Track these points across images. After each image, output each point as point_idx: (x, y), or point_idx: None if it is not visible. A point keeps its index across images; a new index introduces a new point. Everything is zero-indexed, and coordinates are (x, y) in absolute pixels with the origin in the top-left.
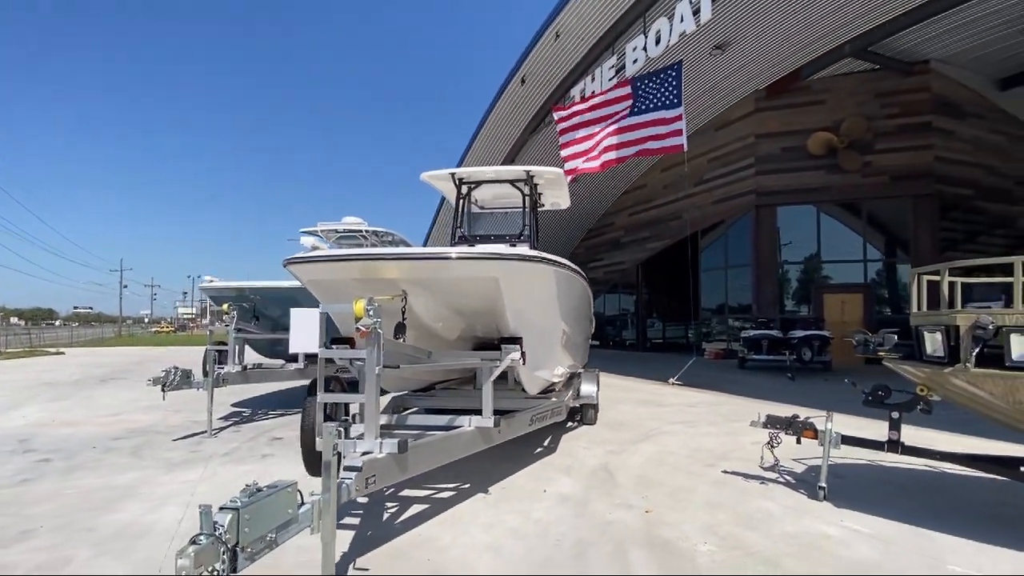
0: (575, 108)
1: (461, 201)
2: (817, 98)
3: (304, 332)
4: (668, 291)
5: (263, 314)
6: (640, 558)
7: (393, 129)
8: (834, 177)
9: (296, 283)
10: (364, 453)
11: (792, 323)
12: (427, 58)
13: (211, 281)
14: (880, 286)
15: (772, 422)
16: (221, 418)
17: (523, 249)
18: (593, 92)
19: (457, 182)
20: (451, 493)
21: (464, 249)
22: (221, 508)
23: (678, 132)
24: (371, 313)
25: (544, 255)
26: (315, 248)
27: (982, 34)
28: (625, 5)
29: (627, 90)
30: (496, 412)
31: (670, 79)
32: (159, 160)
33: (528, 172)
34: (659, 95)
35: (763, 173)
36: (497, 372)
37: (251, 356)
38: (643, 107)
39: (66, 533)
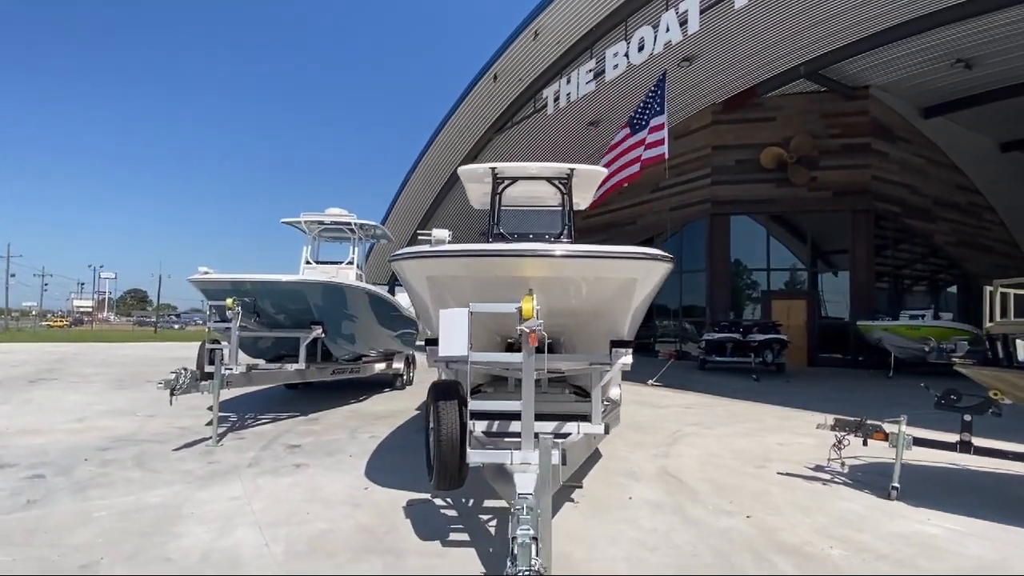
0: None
1: (496, 197)
2: (769, 115)
3: (453, 334)
4: None
5: (262, 310)
6: (786, 564)
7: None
8: (783, 190)
9: (300, 278)
10: (522, 464)
11: (750, 327)
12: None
13: (205, 273)
14: (821, 293)
15: (840, 425)
16: (208, 424)
17: (651, 249)
18: (569, 96)
19: (495, 177)
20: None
21: (609, 248)
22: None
23: (660, 142)
24: (538, 314)
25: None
26: (439, 242)
27: (912, 67)
28: (608, 9)
29: (627, 130)
30: (558, 418)
31: (656, 90)
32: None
33: (572, 170)
34: (647, 109)
35: (718, 183)
36: (607, 377)
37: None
38: (639, 125)
39: (141, 564)
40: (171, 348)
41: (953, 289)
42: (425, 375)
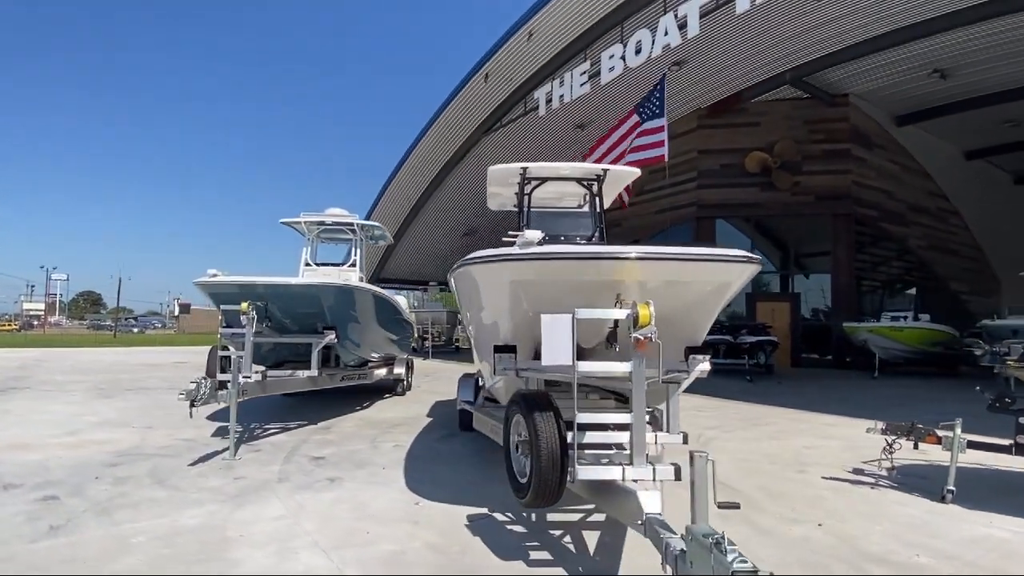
0: (600, 142)
1: (526, 198)
2: (754, 120)
3: (557, 341)
4: None
5: (272, 315)
6: (875, 569)
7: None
8: (767, 194)
9: (315, 281)
10: (635, 480)
11: (740, 329)
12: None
13: (214, 275)
14: (804, 295)
15: (892, 429)
16: (215, 435)
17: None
18: (562, 98)
19: (524, 177)
20: (600, 516)
21: (718, 251)
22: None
23: (660, 143)
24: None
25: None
26: (527, 244)
27: (891, 76)
28: (604, 11)
29: (636, 119)
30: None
31: (655, 91)
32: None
33: (605, 171)
34: (648, 108)
35: (704, 187)
36: (685, 385)
37: None
38: (645, 116)
39: None
40: (140, 353)
41: (925, 291)
42: (421, 380)
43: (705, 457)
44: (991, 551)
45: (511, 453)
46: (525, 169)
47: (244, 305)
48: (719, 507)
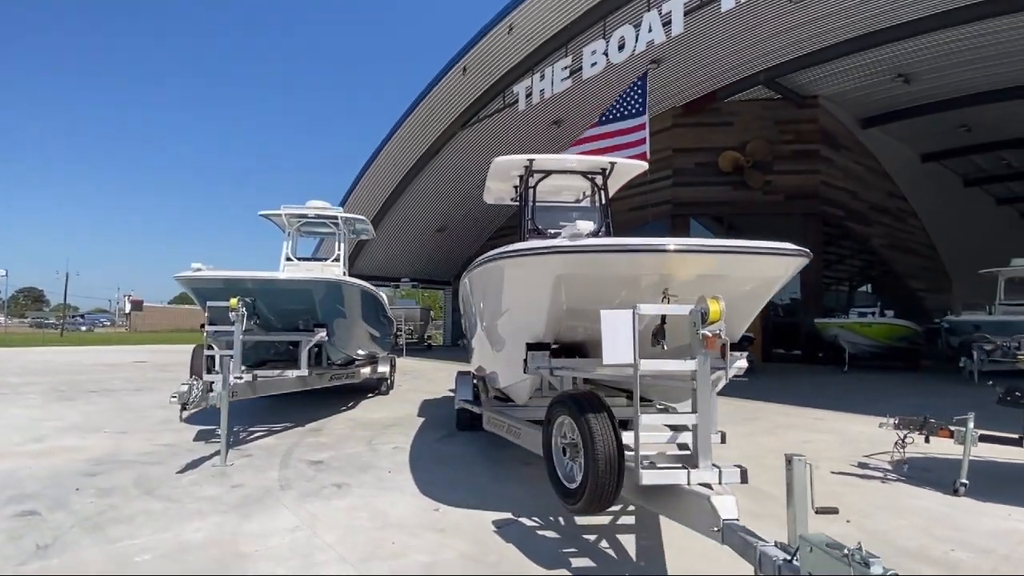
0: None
1: (530, 191)
2: (727, 119)
3: (618, 338)
4: None
5: (260, 312)
6: (924, 568)
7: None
8: (739, 193)
9: (308, 276)
10: (703, 484)
11: None
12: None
13: (197, 269)
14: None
15: (904, 424)
16: (195, 440)
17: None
18: (543, 93)
19: (529, 170)
20: (630, 518)
21: (777, 244)
22: None
23: (641, 141)
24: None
25: None
26: (576, 236)
27: (856, 79)
28: (586, 6)
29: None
30: None
31: (636, 89)
32: None
33: (612, 164)
34: (626, 104)
35: (679, 185)
36: (723, 384)
37: None
38: (610, 116)
39: None
40: (93, 353)
41: (885, 288)
42: (401, 379)
43: (803, 461)
44: (1020, 544)
45: (555, 458)
46: (531, 161)
47: (233, 301)
48: (817, 512)
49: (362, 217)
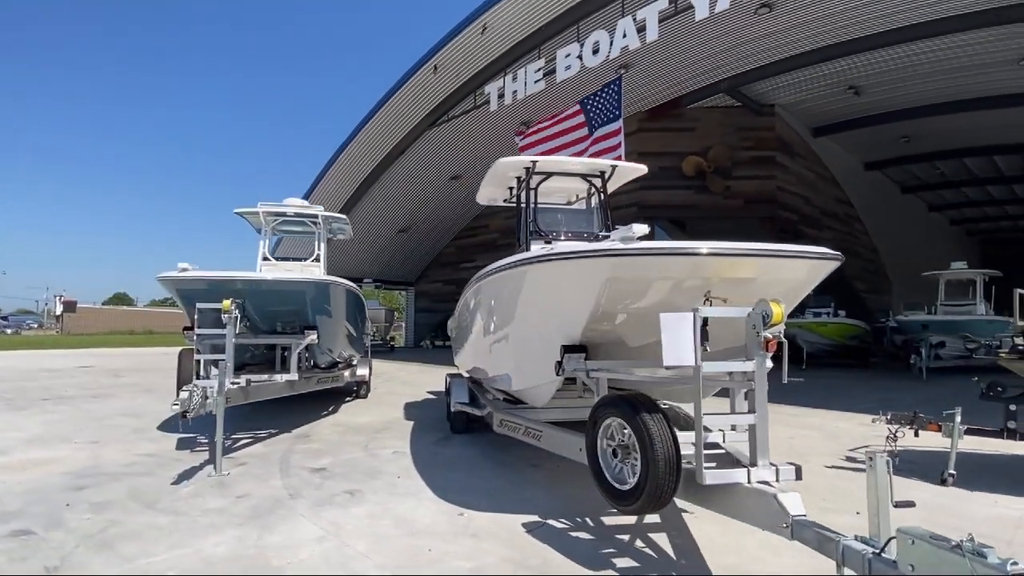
0: (538, 127)
1: (531, 193)
2: (689, 125)
3: (678, 341)
4: None
5: (249, 314)
6: None
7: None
8: (702, 197)
9: (301, 277)
10: (761, 482)
11: None
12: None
13: (184, 269)
14: None
15: (896, 419)
16: (178, 449)
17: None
18: (515, 94)
19: (530, 172)
20: (655, 517)
21: (813, 248)
22: None
23: (617, 146)
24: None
25: None
26: (628, 239)
27: (811, 90)
28: (560, 8)
29: (580, 116)
30: None
31: (611, 93)
32: None
33: (613, 167)
34: (602, 111)
35: (645, 188)
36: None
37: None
38: (593, 126)
39: None
40: (28, 358)
41: (834, 290)
42: (373, 382)
43: (885, 456)
44: (1018, 528)
45: (601, 460)
46: (534, 163)
47: (226, 303)
48: (895, 506)
49: (343, 216)
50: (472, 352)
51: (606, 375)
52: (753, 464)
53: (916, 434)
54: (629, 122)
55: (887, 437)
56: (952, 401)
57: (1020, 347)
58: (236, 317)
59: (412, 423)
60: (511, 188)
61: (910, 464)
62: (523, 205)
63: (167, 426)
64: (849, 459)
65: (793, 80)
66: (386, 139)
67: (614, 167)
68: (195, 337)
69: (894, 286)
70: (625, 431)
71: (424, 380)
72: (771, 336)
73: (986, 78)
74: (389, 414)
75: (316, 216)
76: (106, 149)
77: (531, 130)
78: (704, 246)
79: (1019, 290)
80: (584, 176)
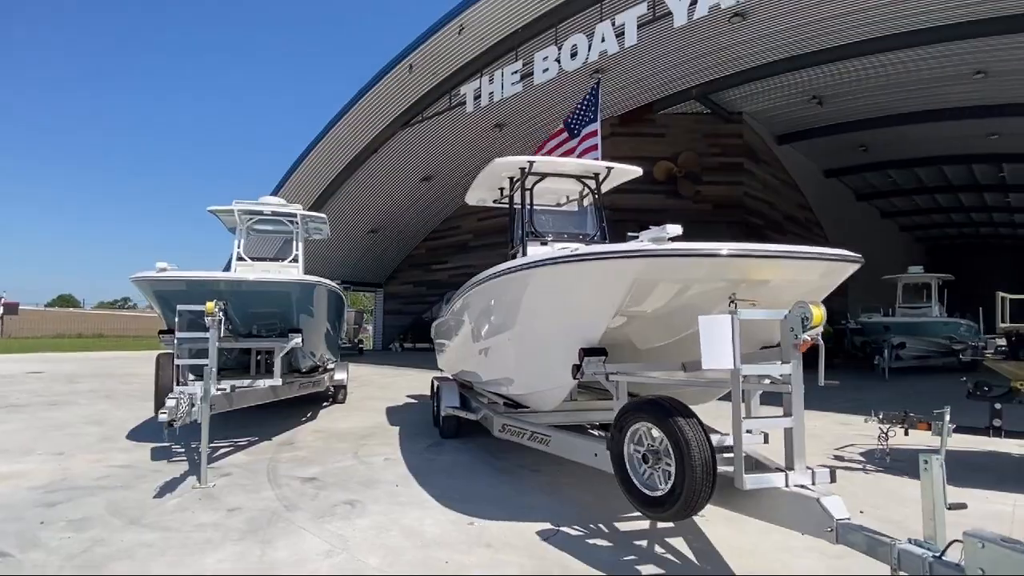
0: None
1: (527, 194)
2: (660, 131)
3: (717, 344)
4: None
5: (231, 317)
6: None
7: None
8: (672, 201)
9: (288, 278)
10: (798, 486)
11: None
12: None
13: (163, 269)
14: None
15: (888, 418)
16: (153, 459)
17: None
18: (492, 95)
19: (526, 172)
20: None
21: (836, 251)
22: None
23: (594, 147)
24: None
25: None
26: (659, 239)
27: (777, 99)
28: (539, 11)
29: (564, 132)
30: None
31: (590, 98)
32: None
33: (609, 168)
34: (581, 117)
35: (616, 192)
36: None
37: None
38: (574, 132)
39: None
40: None
41: None
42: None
43: (940, 460)
44: (1012, 524)
45: (628, 466)
46: (531, 163)
47: (210, 305)
48: (949, 508)
49: (322, 215)
50: (464, 355)
51: (626, 378)
52: (790, 468)
53: (906, 432)
54: (602, 127)
55: (879, 436)
56: (915, 398)
57: (1003, 348)
58: (220, 320)
59: (398, 428)
60: (502, 189)
61: (896, 462)
62: (517, 206)
63: (137, 435)
64: (837, 458)
65: (760, 89)
66: (358, 138)
67: (609, 169)
68: (175, 341)
69: (850, 290)
70: (656, 436)
71: (400, 384)
72: (809, 338)
73: (938, 92)
74: (371, 419)
75: (294, 215)
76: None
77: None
78: (740, 248)
79: (1001, 293)
80: (578, 177)
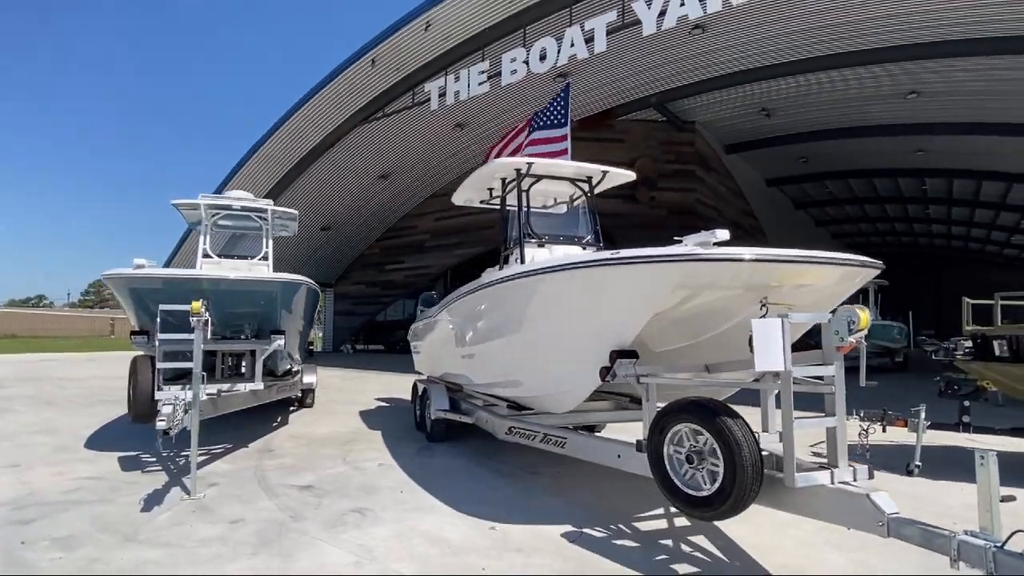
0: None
1: (524, 195)
2: (618, 137)
3: (770, 346)
4: None
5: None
6: None
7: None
8: (629, 206)
9: (275, 277)
10: (841, 483)
11: None
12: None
13: (140, 266)
14: None
15: (868, 416)
16: (125, 469)
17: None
18: (457, 94)
19: (523, 174)
20: (682, 519)
21: (856, 257)
22: None
23: (564, 151)
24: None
25: None
26: (704, 243)
27: (729, 109)
28: (507, 12)
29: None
30: None
31: (559, 100)
32: None
33: (604, 172)
34: (549, 116)
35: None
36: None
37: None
38: (533, 127)
39: None
40: None
41: None
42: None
43: (994, 455)
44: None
45: (668, 468)
46: (530, 165)
47: (196, 305)
48: (1002, 501)
49: (293, 212)
50: (456, 358)
51: (655, 380)
52: (834, 465)
53: (884, 429)
54: None
55: (859, 433)
56: (866, 398)
57: (971, 350)
58: (206, 320)
59: (379, 432)
60: (491, 189)
61: (872, 458)
62: (509, 207)
63: (96, 444)
64: (816, 454)
65: (713, 100)
66: (315, 131)
67: (604, 172)
68: (157, 343)
69: None
70: (700, 437)
71: (363, 387)
72: (853, 340)
73: (875, 109)
74: (347, 424)
75: (265, 211)
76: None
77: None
78: (788, 254)
79: (966, 299)
80: (573, 180)
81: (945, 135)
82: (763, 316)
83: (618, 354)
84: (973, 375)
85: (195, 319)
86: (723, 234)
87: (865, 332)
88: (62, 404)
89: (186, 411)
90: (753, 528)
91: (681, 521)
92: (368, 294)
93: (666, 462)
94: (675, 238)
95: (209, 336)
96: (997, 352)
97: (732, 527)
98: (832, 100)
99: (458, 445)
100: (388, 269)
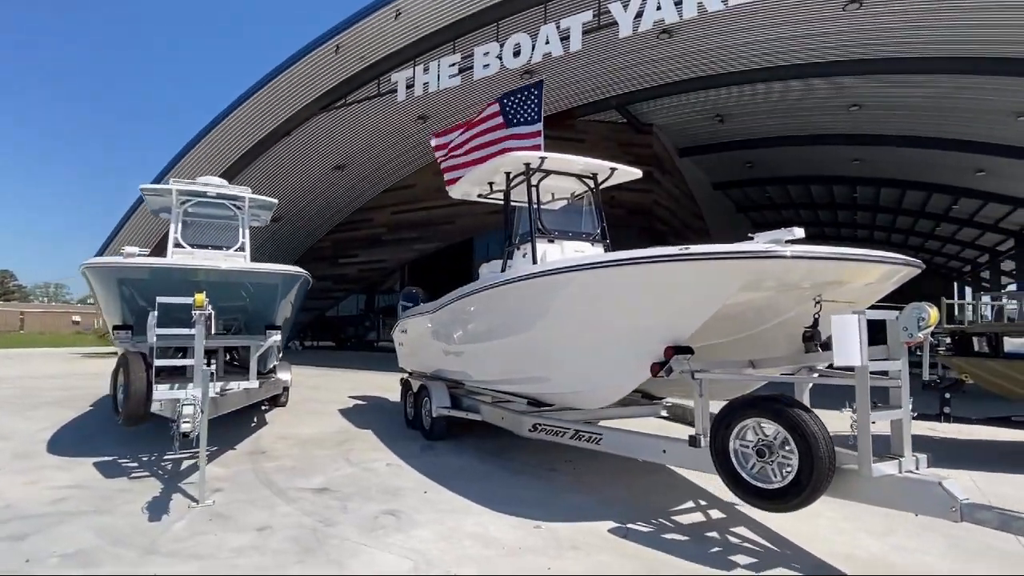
0: (455, 133)
1: (534, 190)
2: (580, 136)
3: (848, 342)
4: (442, 293)
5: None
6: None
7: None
8: None
9: (275, 268)
10: (907, 471)
11: None
12: None
13: (130, 255)
14: None
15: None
16: (109, 476)
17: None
18: (426, 86)
19: (532, 168)
20: (716, 511)
21: (897, 256)
22: None
23: (536, 147)
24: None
25: None
26: (779, 241)
27: (684, 114)
28: (481, 5)
29: (496, 108)
30: None
31: (532, 96)
32: None
33: (612, 168)
34: (520, 111)
35: None
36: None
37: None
38: (512, 121)
39: None
40: None
41: None
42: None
43: None
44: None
45: (735, 461)
46: (543, 160)
47: (199, 297)
48: None
49: (271, 200)
50: (456, 355)
51: (709, 376)
52: (900, 455)
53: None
54: None
55: (850, 425)
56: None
57: (951, 346)
58: (209, 314)
59: (369, 431)
60: (491, 183)
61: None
62: (514, 202)
63: (59, 448)
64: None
65: (672, 103)
66: (270, 118)
67: (613, 169)
68: (155, 338)
69: None
70: (768, 431)
71: (331, 385)
72: (921, 336)
73: (819, 119)
74: (332, 423)
75: (241, 199)
76: None
77: (446, 141)
78: (857, 253)
79: (944, 299)
80: (580, 176)
81: (879, 146)
82: (817, 313)
83: (676, 350)
84: (954, 369)
85: (197, 312)
86: (799, 232)
87: (932, 328)
88: (4, 406)
89: (202, 411)
90: (785, 518)
91: (717, 513)
92: (318, 288)
93: (732, 457)
94: (748, 235)
95: (213, 331)
96: (976, 348)
97: (768, 517)
98: (782, 109)
99: (460, 443)
100: (341, 263)
